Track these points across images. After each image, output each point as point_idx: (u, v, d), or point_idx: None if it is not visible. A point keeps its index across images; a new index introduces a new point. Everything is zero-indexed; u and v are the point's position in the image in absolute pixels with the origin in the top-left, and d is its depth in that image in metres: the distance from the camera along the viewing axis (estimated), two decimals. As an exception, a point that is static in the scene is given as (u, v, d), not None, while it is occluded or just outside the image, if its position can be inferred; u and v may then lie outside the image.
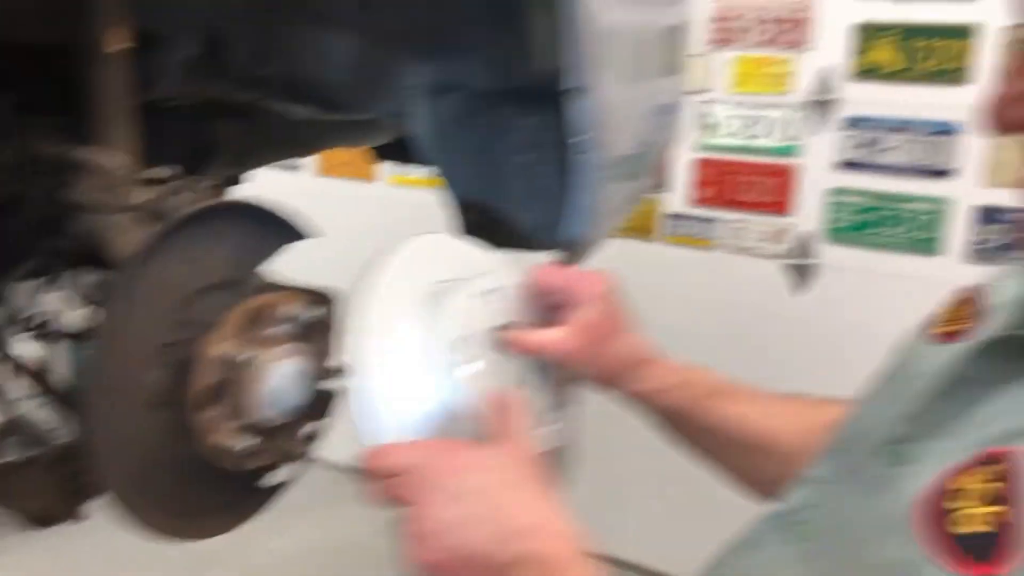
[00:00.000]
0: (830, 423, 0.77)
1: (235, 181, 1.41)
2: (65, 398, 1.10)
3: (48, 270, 1.04)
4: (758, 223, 2.83)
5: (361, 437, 0.73)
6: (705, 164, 2.90)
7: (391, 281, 0.80)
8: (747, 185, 2.83)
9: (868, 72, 2.52)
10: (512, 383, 0.85)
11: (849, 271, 2.61)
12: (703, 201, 2.92)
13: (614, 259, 3.14)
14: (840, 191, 2.60)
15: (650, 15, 1.38)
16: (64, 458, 0.89)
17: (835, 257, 2.63)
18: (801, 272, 2.72)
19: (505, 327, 0.86)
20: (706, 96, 2.86)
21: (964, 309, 0.69)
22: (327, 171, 3.63)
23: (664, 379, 0.91)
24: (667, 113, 1.57)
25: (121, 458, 0.76)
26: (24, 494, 0.86)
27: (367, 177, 3.48)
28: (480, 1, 1.21)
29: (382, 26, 1.22)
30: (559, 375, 0.91)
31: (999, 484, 0.50)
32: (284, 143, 1.49)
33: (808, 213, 2.66)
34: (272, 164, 1.55)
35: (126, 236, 0.84)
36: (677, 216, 2.98)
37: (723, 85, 2.84)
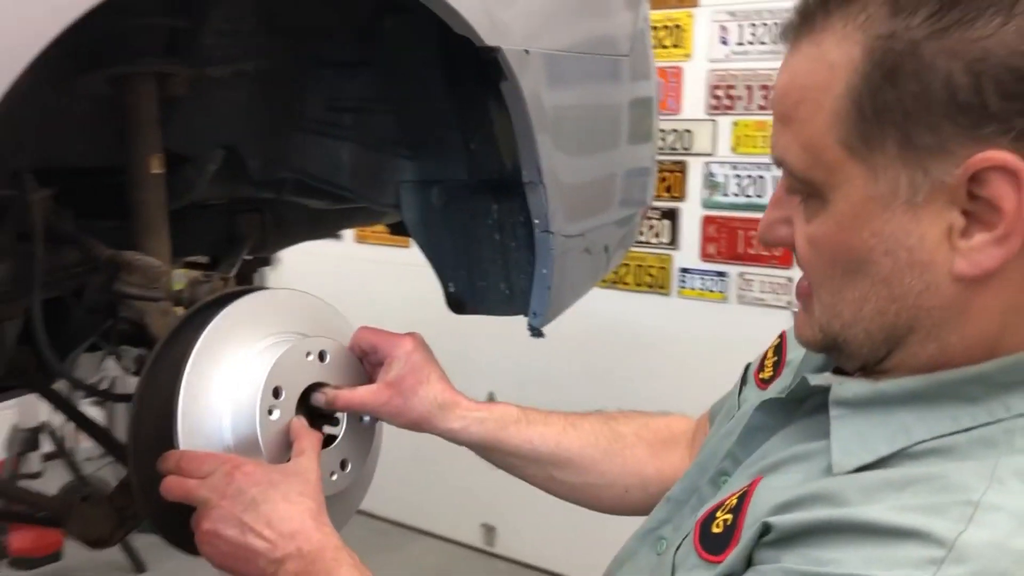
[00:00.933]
0: (633, 433, 0.94)
1: (266, 262, 1.66)
2: (121, 451, 1.33)
3: (104, 346, 1.28)
4: (764, 275, 3.00)
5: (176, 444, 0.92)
6: (712, 222, 3.09)
7: (232, 322, 0.99)
8: (751, 240, 3.01)
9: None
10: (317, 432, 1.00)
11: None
12: (712, 256, 3.11)
13: (634, 312, 3.31)
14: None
15: (608, 96, 1.59)
16: (116, 496, 1.13)
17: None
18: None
19: (322, 385, 1.02)
20: (710, 159, 3.07)
21: (772, 358, 0.88)
22: (363, 238, 3.91)
23: (465, 417, 1.04)
24: (640, 176, 1.79)
25: (152, 495, 0.99)
26: (84, 524, 1.09)
27: (403, 244, 3.73)
28: (454, 111, 1.46)
29: (373, 134, 1.46)
30: (370, 426, 1.07)
31: (740, 499, 0.69)
32: (303, 229, 1.73)
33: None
34: (297, 245, 1.80)
35: (160, 320, 1.08)
36: (688, 271, 3.17)
37: (725, 148, 3.04)
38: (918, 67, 0.57)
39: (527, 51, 1.25)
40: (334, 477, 1.04)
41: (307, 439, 0.93)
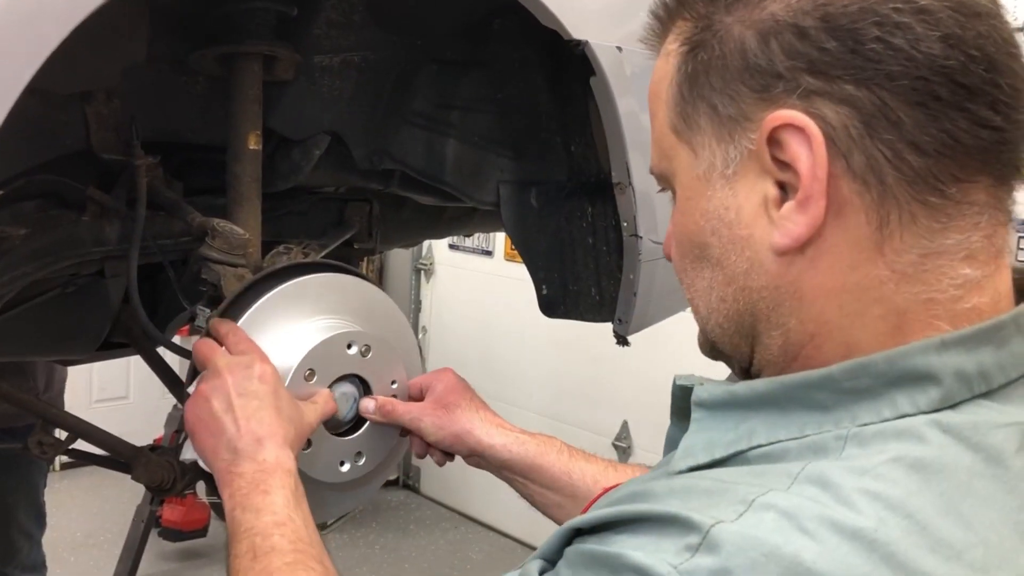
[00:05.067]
0: None
1: (371, 252, 1.71)
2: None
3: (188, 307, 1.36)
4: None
5: None
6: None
7: (289, 295, 1.05)
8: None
9: None
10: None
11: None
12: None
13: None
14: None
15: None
16: (178, 449, 1.20)
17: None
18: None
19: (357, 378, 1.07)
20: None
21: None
22: (512, 257, 3.96)
23: (507, 435, 1.06)
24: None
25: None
26: (147, 471, 1.16)
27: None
28: (557, 113, 1.46)
29: (478, 132, 1.48)
30: (393, 432, 1.11)
31: None
32: (414, 227, 1.78)
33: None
34: (406, 242, 1.84)
35: (234, 284, 1.14)
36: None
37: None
38: (716, 39, 0.58)
39: (619, 48, 1.23)
40: (344, 467, 1.07)
41: (322, 400, 1.00)
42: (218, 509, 2.40)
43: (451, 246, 4.44)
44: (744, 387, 0.60)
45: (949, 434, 0.52)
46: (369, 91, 1.40)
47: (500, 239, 4.15)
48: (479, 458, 1.08)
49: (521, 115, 1.47)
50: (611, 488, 0.75)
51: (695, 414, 0.61)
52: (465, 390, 1.11)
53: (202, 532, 3.85)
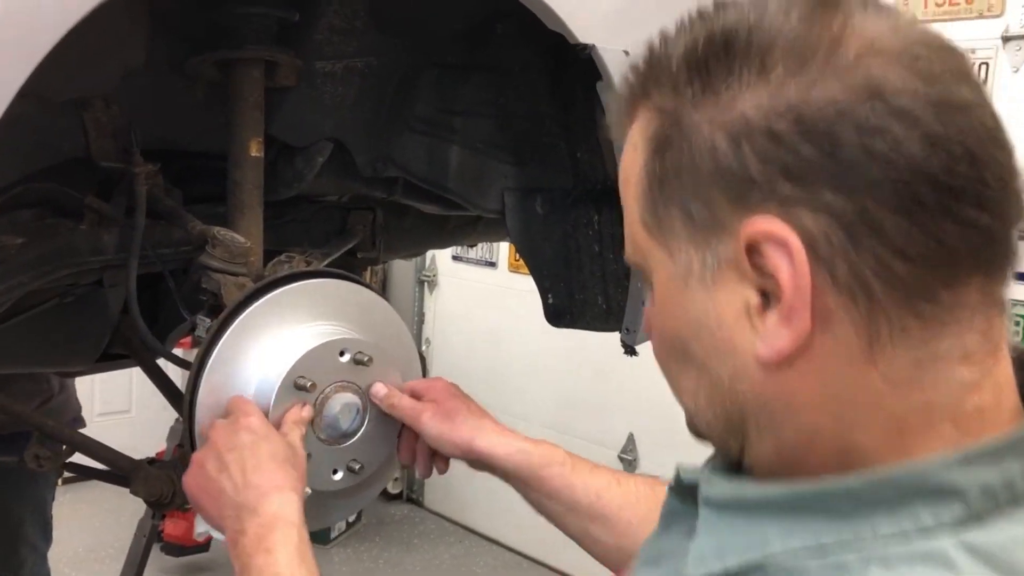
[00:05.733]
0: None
1: (374, 262, 1.69)
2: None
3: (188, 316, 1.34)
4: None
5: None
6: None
7: (284, 302, 1.04)
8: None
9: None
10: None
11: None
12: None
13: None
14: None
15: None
16: (177, 460, 1.17)
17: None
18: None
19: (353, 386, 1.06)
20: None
21: None
22: (517, 268, 3.94)
23: (510, 444, 1.03)
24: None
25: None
26: (146, 484, 1.13)
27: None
28: (562, 118, 1.44)
29: (481, 138, 1.46)
30: (390, 439, 1.10)
31: None
32: (418, 236, 1.76)
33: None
34: (410, 252, 1.82)
35: (234, 293, 1.11)
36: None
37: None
38: (684, 138, 0.54)
39: (626, 52, 1.21)
40: (337, 476, 1.05)
41: (295, 418, 0.99)
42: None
43: (454, 257, 4.41)
44: (755, 491, 0.56)
45: (978, 557, 0.49)
46: (372, 97, 1.38)
47: (504, 250, 4.13)
48: (481, 465, 1.06)
49: (525, 121, 1.45)
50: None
51: (703, 512, 0.59)
52: (462, 396, 1.09)
53: (204, 547, 3.81)
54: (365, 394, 1.07)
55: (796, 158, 0.50)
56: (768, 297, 0.52)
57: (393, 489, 4.75)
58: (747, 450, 0.58)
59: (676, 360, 0.60)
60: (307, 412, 1.00)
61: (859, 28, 0.51)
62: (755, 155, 0.51)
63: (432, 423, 1.05)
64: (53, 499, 2.62)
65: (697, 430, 0.62)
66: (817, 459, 0.54)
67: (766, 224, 0.51)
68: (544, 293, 1.52)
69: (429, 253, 4.46)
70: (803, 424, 0.54)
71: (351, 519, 4.45)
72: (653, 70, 0.57)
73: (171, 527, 3.71)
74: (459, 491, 4.44)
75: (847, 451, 0.53)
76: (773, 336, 0.52)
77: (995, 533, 0.50)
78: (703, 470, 0.63)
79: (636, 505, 0.99)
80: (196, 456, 0.93)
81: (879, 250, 0.49)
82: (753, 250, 0.52)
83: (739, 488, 0.57)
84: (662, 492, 0.94)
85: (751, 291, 0.53)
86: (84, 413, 2.37)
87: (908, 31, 0.52)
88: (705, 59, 0.54)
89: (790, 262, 0.50)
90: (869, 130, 0.49)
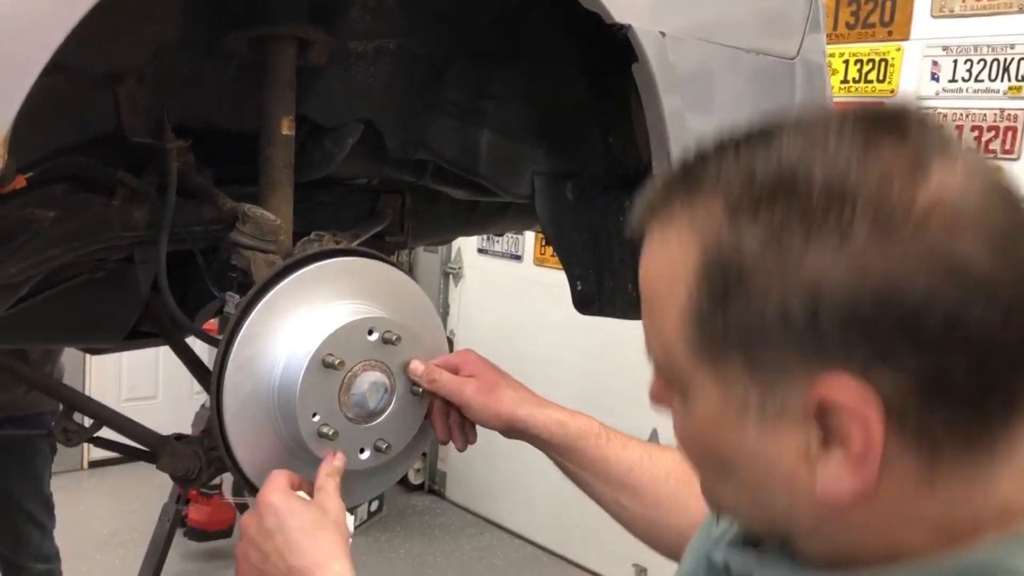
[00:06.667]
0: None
1: (403, 246, 1.68)
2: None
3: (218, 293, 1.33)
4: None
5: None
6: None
7: (313, 279, 1.02)
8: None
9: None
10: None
11: None
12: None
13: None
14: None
15: (766, 101, 1.50)
16: (205, 438, 1.17)
17: None
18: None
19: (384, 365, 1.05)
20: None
21: None
22: (542, 262, 3.93)
23: (548, 416, 1.04)
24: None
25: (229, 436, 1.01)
26: (173, 460, 1.13)
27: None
28: (594, 103, 1.42)
29: (513, 123, 1.45)
30: (418, 415, 1.09)
31: None
32: (447, 222, 1.75)
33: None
34: (437, 238, 1.81)
35: (263, 270, 1.11)
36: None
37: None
38: (752, 291, 0.52)
39: (663, 33, 1.19)
40: (364, 455, 1.05)
41: (326, 470, 0.97)
42: (244, 510, 2.38)
43: (480, 250, 4.41)
44: None
45: None
46: (403, 79, 1.37)
47: (529, 243, 4.12)
48: (519, 435, 1.06)
49: (557, 105, 1.43)
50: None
51: None
52: (497, 368, 1.10)
53: (227, 532, 3.83)
54: (392, 373, 1.06)
55: (878, 329, 0.49)
56: (829, 432, 0.52)
57: (415, 480, 4.75)
58: (793, 545, 0.60)
59: (715, 474, 0.61)
60: (339, 462, 0.99)
61: (941, 190, 0.50)
62: (834, 324, 0.50)
63: (476, 397, 1.05)
64: (51, 475, 2.66)
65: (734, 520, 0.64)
66: (865, 558, 0.55)
67: (842, 393, 0.50)
68: (572, 280, 1.50)
69: (455, 245, 4.46)
70: (855, 536, 0.55)
71: (372, 508, 4.46)
72: (700, 182, 0.56)
73: (194, 512, 3.74)
74: (481, 483, 4.44)
75: (896, 548, 0.54)
76: (835, 478, 0.52)
77: None
78: (735, 560, 0.64)
79: (666, 480, 1.01)
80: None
81: (952, 407, 0.51)
82: (825, 411, 0.51)
83: None
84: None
85: (814, 437, 0.53)
86: (110, 398, 2.39)
87: (984, 185, 0.52)
88: (769, 198, 0.52)
89: (865, 429, 0.50)
90: (954, 308, 0.49)
